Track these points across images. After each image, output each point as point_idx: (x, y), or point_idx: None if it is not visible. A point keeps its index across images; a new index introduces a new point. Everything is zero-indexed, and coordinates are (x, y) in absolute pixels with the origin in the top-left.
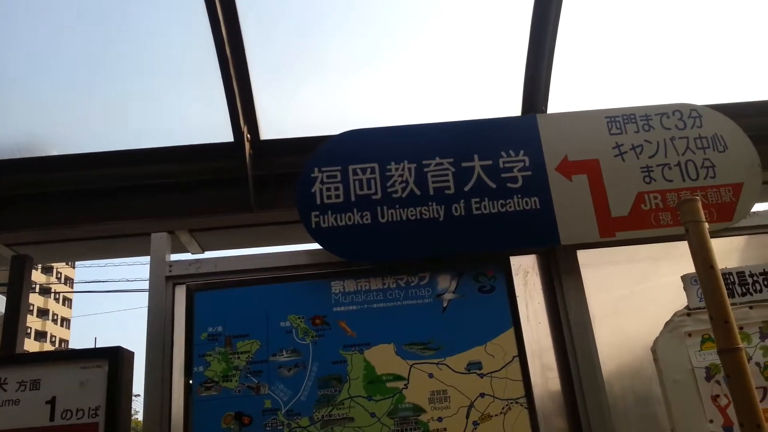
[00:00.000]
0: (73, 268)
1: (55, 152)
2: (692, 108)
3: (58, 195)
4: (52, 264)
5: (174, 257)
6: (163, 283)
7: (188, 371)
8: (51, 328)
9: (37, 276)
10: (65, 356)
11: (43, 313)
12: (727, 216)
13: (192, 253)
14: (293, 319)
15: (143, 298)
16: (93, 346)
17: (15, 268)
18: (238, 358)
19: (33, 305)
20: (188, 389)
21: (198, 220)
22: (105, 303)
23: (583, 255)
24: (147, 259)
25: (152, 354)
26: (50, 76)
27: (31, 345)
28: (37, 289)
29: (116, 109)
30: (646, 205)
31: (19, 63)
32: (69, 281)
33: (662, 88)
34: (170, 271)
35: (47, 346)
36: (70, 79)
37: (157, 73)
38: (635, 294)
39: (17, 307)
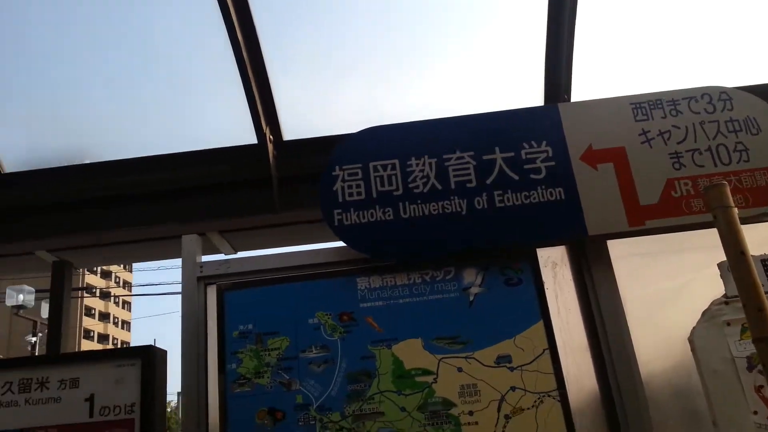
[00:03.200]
0: (131, 272)
1: (88, 160)
2: (722, 90)
3: (94, 201)
4: (111, 270)
5: (206, 258)
6: (194, 283)
7: (222, 368)
8: (112, 330)
9: (97, 281)
10: (101, 356)
11: (104, 316)
12: (764, 200)
13: (225, 254)
14: (321, 315)
15: None
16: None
17: (56, 272)
18: (269, 354)
19: (94, 309)
20: (223, 386)
21: (226, 221)
22: (162, 304)
23: (615, 247)
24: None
25: (188, 352)
26: (82, 89)
27: (94, 347)
28: (98, 294)
29: (144, 117)
30: (677, 192)
31: (51, 78)
32: (127, 285)
33: (689, 72)
34: (201, 272)
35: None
36: (100, 90)
37: (181, 80)
38: (670, 285)
39: (59, 309)
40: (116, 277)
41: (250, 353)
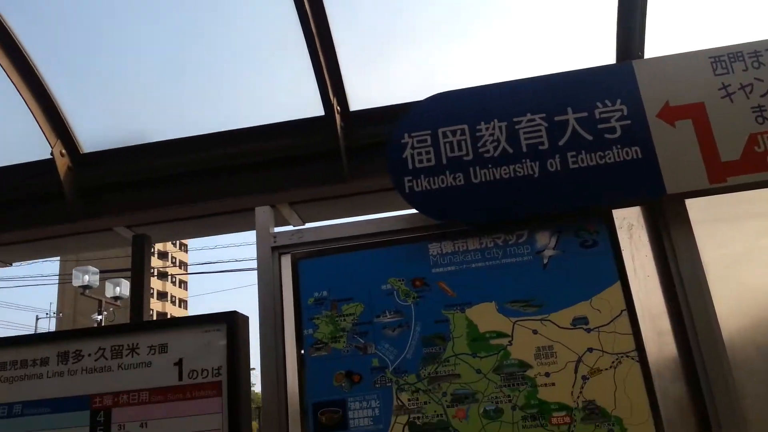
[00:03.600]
0: (186, 252)
1: (161, 138)
2: None
3: (169, 177)
4: (167, 251)
5: (276, 230)
6: (269, 253)
7: (299, 334)
8: (170, 309)
9: (155, 262)
10: (188, 322)
11: (162, 295)
12: None
13: (293, 226)
14: (394, 281)
15: (249, 276)
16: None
17: (136, 246)
18: (344, 320)
19: (153, 289)
20: (300, 350)
21: (296, 193)
22: (216, 283)
23: (693, 208)
24: (251, 234)
25: (265, 320)
26: (152, 68)
27: None
28: (155, 274)
29: (213, 93)
30: (760, 146)
31: (122, 57)
32: (183, 265)
33: None
34: (275, 242)
35: None
36: (170, 68)
37: (249, 56)
38: (754, 247)
39: (141, 280)
40: (172, 257)
41: (325, 319)
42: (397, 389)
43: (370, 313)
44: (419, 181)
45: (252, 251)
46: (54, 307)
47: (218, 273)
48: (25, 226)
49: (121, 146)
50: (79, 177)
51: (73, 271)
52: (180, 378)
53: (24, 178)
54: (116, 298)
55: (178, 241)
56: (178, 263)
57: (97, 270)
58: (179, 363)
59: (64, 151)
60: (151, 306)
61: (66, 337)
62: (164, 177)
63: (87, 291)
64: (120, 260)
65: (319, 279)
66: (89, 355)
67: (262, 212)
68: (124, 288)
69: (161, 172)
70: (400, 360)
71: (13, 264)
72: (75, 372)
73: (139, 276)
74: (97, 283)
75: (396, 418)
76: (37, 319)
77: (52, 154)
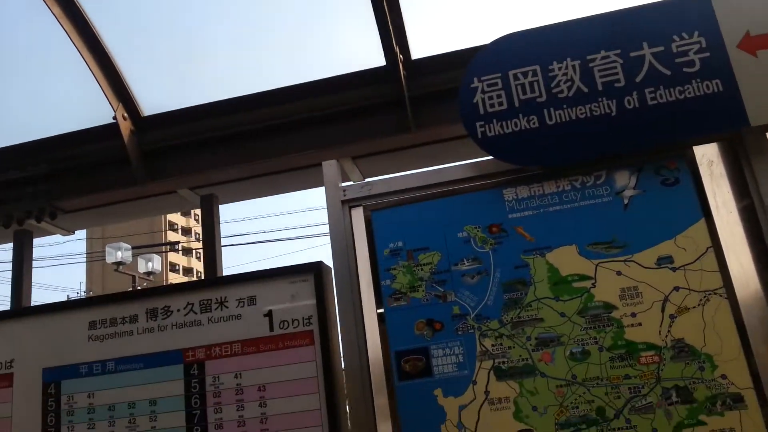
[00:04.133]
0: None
1: (221, 97)
2: None
3: (231, 137)
4: (191, 227)
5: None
6: (339, 207)
7: (377, 285)
8: (195, 264)
9: (178, 218)
10: (275, 273)
11: (187, 251)
12: None
13: (354, 182)
14: (470, 229)
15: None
16: None
17: (205, 206)
18: (422, 269)
19: (178, 265)
20: (379, 302)
21: (359, 146)
22: (248, 255)
23: None
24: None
25: (340, 273)
26: (211, 26)
27: (180, 280)
28: (180, 230)
29: (272, 49)
30: None
31: (181, 15)
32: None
33: None
34: (345, 196)
35: None
36: (228, 26)
37: (308, 7)
38: None
39: (212, 239)
40: (195, 214)
41: (402, 269)
42: (480, 335)
43: (448, 262)
44: (492, 125)
45: (275, 223)
46: (83, 286)
47: (248, 245)
48: (88, 192)
49: (181, 107)
50: (142, 140)
51: (107, 249)
52: (271, 329)
53: (88, 143)
54: (149, 273)
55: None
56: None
57: (129, 246)
58: (269, 314)
59: (126, 114)
60: (177, 261)
61: (153, 294)
62: (226, 136)
63: (120, 267)
64: (147, 237)
65: (393, 230)
66: (178, 310)
67: (330, 166)
68: (156, 263)
69: (223, 131)
70: (481, 306)
71: (75, 232)
72: (165, 327)
73: (210, 234)
74: (130, 259)
75: (480, 364)
76: (68, 298)
77: (114, 118)
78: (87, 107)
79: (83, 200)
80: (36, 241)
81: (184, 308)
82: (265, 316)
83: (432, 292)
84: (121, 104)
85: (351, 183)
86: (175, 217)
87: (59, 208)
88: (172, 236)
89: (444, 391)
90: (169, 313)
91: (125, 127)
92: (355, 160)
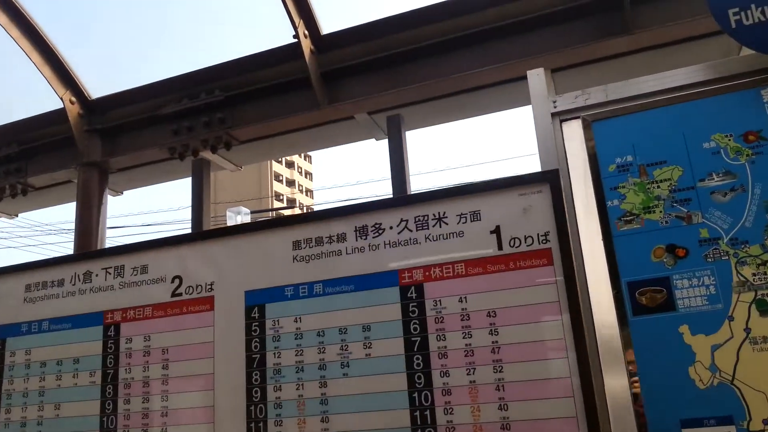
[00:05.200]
0: (311, 162)
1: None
2: None
3: (414, 53)
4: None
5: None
6: (549, 121)
7: (601, 206)
8: (298, 195)
9: (282, 169)
10: (501, 184)
11: (290, 183)
12: None
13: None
14: (719, 138)
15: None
16: None
17: (391, 126)
18: (658, 187)
19: (282, 175)
20: (605, 225)
21: (561, 55)
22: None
23: None
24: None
25: None
26: None
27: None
28: (284, 163)
29: None
30: None
31: None
32: (308, 175)
33: None
34: (555, 107)
35: None
36: None
37: None
38: None
39: (401, 157)
40: (298, 167)
41: (633, 187)
42: (737, 263)
43: (692, 177)
44: (749, 12)
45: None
46: None
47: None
48: (265, 119)
49: (359, 23)
50: (322, 61)
51: (228, 213)
52: (500, 247)
53: (267, 67)
54: None
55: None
56: (304, 173)
57: (248, 210)
58: (496, 231)
59: (306, 32)
60: (281, 191)
61: (362, 211)
62: (408, 53)
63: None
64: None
65: (619, 142)
66: (390, 227)
67: (536, 76)
68: (244, 217)
69: (405, 46)
70: (738, 228)
71: (242, 167)
72: (377, 246)
73: (398, 154)
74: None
75: (738, 296)
76: None
77: (295, 37)
78: (270, 27)
79: (259, 128)
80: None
81: (398, 225)
82: (491, 233)
83: (672, 213)
84: (301, 20)
85: (561, 95)
86: (281, 168)
87: (234, 137)
88: (277, 186)
89: (691, 328)
90: (380, 231)
91: (306, 46)
92: (555, 73)
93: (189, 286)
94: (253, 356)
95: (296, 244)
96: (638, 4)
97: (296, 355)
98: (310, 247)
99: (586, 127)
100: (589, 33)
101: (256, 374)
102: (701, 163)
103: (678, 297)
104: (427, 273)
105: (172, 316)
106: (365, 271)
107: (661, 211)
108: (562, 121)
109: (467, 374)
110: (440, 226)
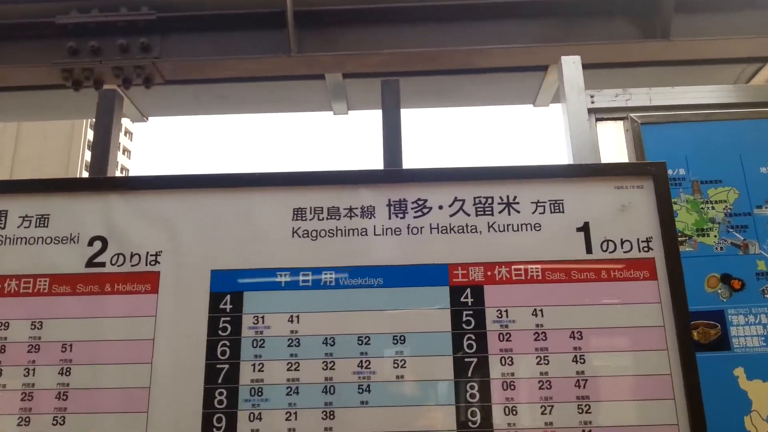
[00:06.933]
0: (131, 140)
1: None
2: None
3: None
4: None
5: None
6: (585, 116)
7: None
8: None
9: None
10: (592, 171)
11: None
12: None
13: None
14: None
15: None
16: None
17: (387, 94)
18: (713, 208)
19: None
20: None
21: (596, 50)
22: None
23: None
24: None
25: None
26: None
27: None
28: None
29: None
30: None
31: None
32: (127, 152)
33: None
34: (592, 103)
35: None
36: None
37: None
38: None
39: (396, 136)
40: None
41: (686, 204)
42: None
43: (749, 203)
44: None
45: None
46: None
47: None
48: (211, 54)
49: None
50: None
51: None
52: (589, 250)
53: None
54: None
55: None
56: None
57: None
58: (584, 228)
59: None
60: None
61: (402, 179)
62: (412, 10)
63: None
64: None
65: (672, 152)
66: (440, 207)
67: (570, 64)
68: None
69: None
70: None
71: (148, 119)
72: (419, 230)
73: (393, 129)
74: None
75: None
76: None
77: None
78: None
79: (198, 66)
80: None
81: (450, 206)
82: (578, 230)
83: (728, 240)
84: None
85: (600, 90)
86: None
87: (160, 72)
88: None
89: (747, 372)
90: (425, 210)
91: None
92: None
93: (118, 254)
94: (219, 367)
95: (299, 213)
96: (681, 12)
97: (289, 369)
98: (320, 219)
99: (636, 129)
100: (625, 31)
101: (220, 395)
102: (759, 188)
103: (733, 334)
104: (489, 273)
105: (86, 296)
106: (401, 261)
107: (716, 236)
108: (598, 119)
109: (542, 413)
110: (509, 214)
